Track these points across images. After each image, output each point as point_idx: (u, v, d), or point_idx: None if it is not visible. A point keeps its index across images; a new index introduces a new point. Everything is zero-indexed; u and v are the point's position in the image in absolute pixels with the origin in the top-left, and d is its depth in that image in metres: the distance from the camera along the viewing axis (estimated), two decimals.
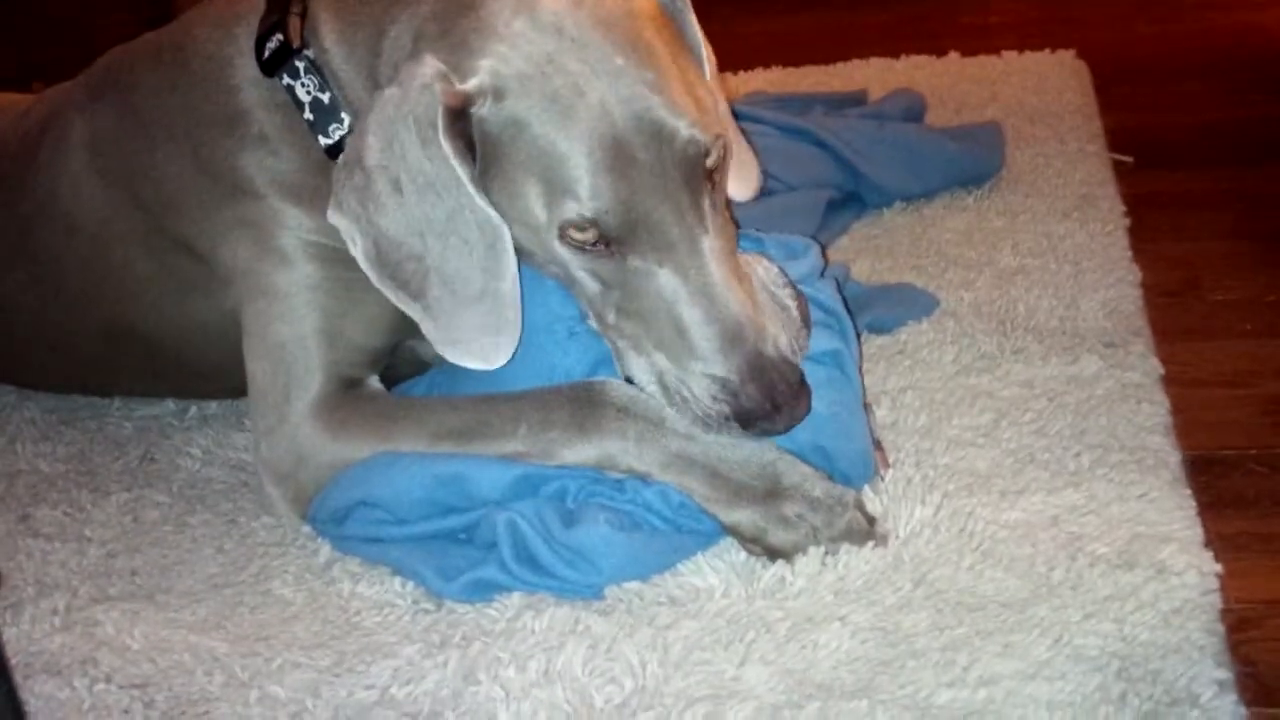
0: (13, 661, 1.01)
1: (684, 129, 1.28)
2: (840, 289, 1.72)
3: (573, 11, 1.29)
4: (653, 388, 1.35)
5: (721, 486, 1.33)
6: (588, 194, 1.27)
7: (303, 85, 1.43)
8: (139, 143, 1.53)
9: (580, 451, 1.36)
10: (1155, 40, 2.87)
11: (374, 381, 1.51)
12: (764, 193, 1.96)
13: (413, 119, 1.28)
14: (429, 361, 1.58)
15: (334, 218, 1.35)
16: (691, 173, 1.30)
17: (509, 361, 1.37)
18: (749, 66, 2.80)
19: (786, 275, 1.41)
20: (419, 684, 1.23)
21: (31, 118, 1.68)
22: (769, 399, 1.30)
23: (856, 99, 2.42)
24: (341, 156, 1.36)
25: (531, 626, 1.28)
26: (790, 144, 2.09)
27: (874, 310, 1.75)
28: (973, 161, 2.17)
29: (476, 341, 1.34)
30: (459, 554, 1.36)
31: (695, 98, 1.31)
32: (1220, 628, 1.20)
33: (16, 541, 1.52)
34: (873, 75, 2.71)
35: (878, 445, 1.45)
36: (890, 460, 1.46)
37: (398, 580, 1.37)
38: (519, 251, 1.34)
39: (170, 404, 1.79)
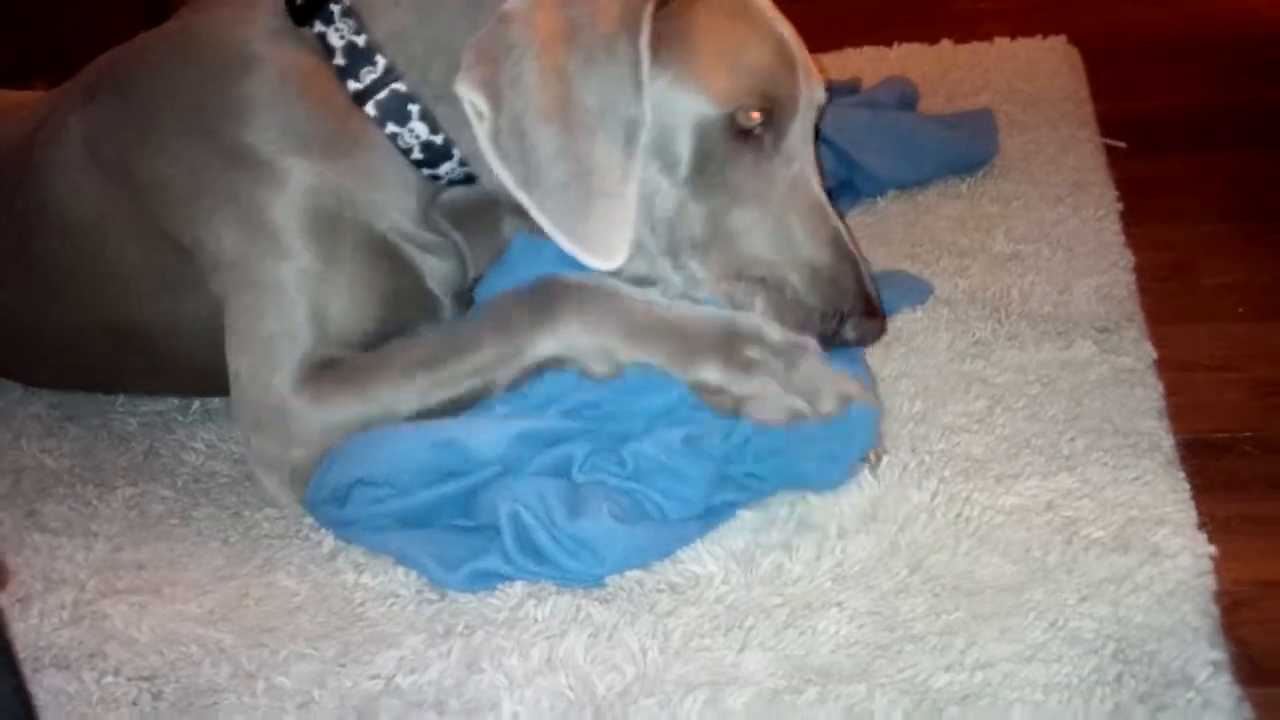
0: (21, 656, 1.02)
1: (821, 82, 1.49)
2: None
3: None
4: (744, 297, 1.41)
5: (682, 344, 1.36)
6: (774, 81, 1.42)
7: (336, 30, 1.44)
8: (134, 122, 1.52)
9: (545, 343, 1.38)
10: (1146, 25, 2.87)
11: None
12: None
13: (600, 10, 1.33)
14: None
15: (464, 88, 1.36)
16: (817, 118, 1.49)
17: None
18: None
19: None
20: (423, 673, 1.24)
21: (30, 118, 1.68)
22: (869, 300, 1.42)
23: (849, 88, 2.42)
24: (492, 26, 1.37)
25: (534, 615, 1.29)
26: None
27: None
28: (966, 149, 2.17)
29: (601, 236, 1.36)
30: (461, 543, 1.37)
31: None
32: (1214, 609, 1.21)
33: (23, 537, 1.52)
34: (865, 63, 2.71)
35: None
36: (886, 446, 1.46)
37: (401, 570, 1.38)
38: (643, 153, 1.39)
39: (174, 400, 1.80)
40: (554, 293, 1.39)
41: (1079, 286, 1.78)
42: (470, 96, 1.36)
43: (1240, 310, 1.80)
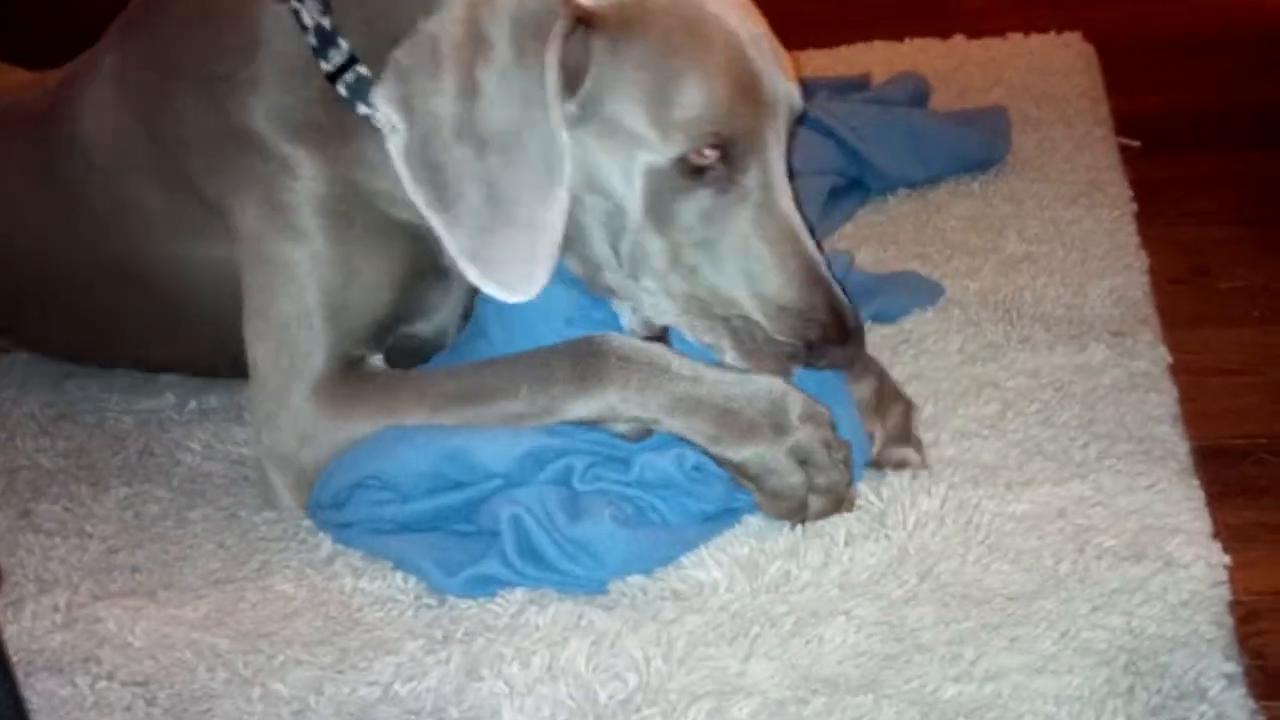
0: (14, 659, 1.01)
1: (795, 86, 1.39)
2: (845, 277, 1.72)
3: None
4: (709, 334, 1.37)
5: (729, 424, 1.32)
6: (724, 113, 1.32)
7: (306, 9, 1.42)
8: (160, 78, 1.53)
9: (583, 405, 1.35)
10: (1163, 22, 2.85)
11: (376, 360, 1.50)
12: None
13: (513, 22, 1.28)
14: (430, 346, 1.57)
15: (380, 100, 1.32)
16: (792, 125, 1.40)
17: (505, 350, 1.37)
18: None
19: None
20: (422, 680, 1.22)
21: (77, 61, 1.70)
22: (842, 326, 1.35)
23: (860, 83, 2.41)
24: (410, 40, 1.33)
25: (534, 622, 1.27)
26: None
27: (879, 299, 1.74)
28: (978, 146, 2.16)
29: (508, 266, 1.32)
30: (460, 548, 1.35)
31: None
32: (1229, 620, 1.19)
33: (17, 537, 1.51)
34: (877, 58, 2.70)
35: (917, 443, 1.45)
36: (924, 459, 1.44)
37: (399, 575, 1.36)
38: (587, 194, 1.35)
39: (170, 397, 1.78)
40: (598, 355, 1.35)
41: (1093, 289, 1.77)
42: (385, 111, 1.32)
43: (1256, 314, 1.78)
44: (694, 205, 1.34)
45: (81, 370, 1.89)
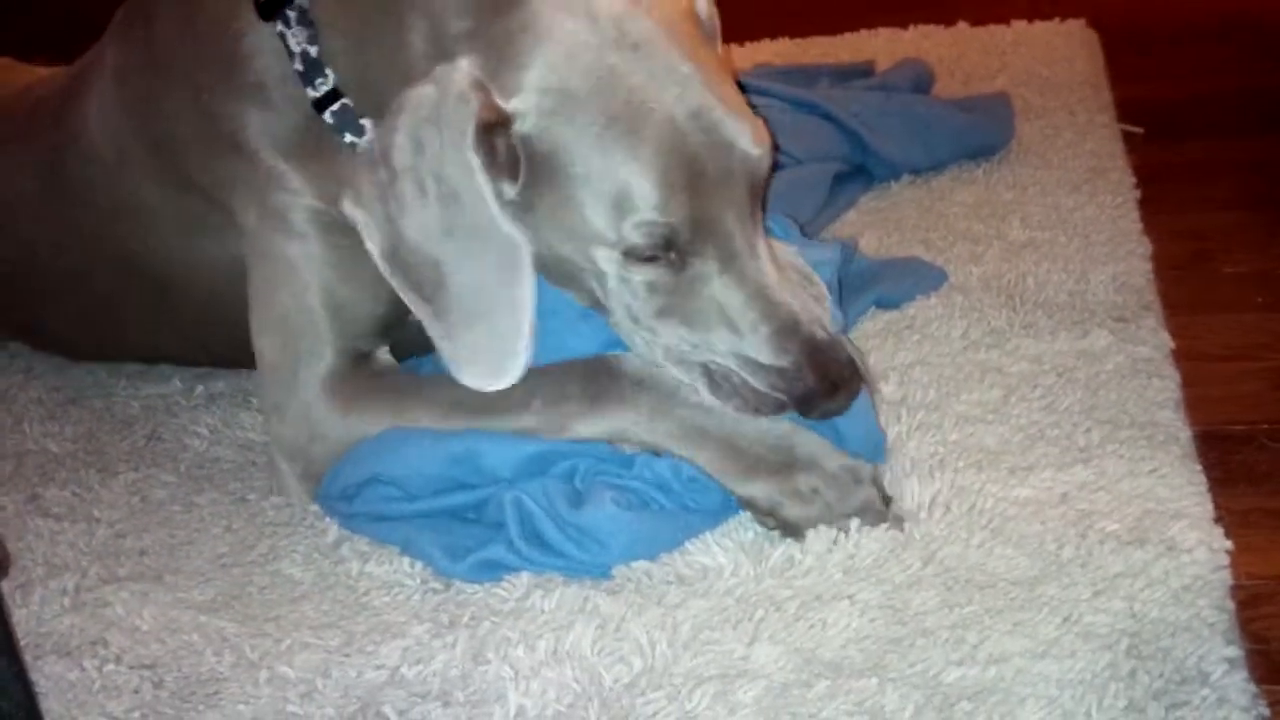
0: (23, 643, 1.02)
1: (753, 147, 1.30)
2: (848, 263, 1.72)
3: (633, 12, 1.27)
4: (687, 375, 1.35)
5: (736, 459, 1.33)
6: (661, 211, 1.27)
7: (293, 35, 1.41)
8: (154, 78, 1.53)
9: (593, 425, 1.36)
10: (1166, 8, 2.84)
11: (384, 354, 1.50)
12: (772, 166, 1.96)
13: (443, 126, 1.26)
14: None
15: (350, 210, 1.33)
16: (755, 184, 1.32)
17: None
18: (755, 38, 2.78)
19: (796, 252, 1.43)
20: (428, 664, 1.23)
21: (85, 57, 1.70)
22: (827, 381, 1.30)
23: (864, 70, 2.40)
24: (364, 149, 1.34)
25: (540, 606, 1.28)
26: (797, 117, 2.07)
27: (882, 285, 1.74)
28: (981, 133, 2.15)
29: (483, 358, 1.33)
30: (467, 533, 1.36)
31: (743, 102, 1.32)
32: (1230, 604, 1.19)
33: (25, 522, 1.52)
34: (880, 45, 2.69)
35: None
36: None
37: (406, 560, 1.37)
38: (557, 263, 1.34)
39: (177, 382, 1.79)
40: (612, 377, 1.36)
41: (1096, 275, 1.76)
42: (356, 218, 1.33)
43: (1259, 299, 1.78)
44: (653, 282, 1.32)
45: None
